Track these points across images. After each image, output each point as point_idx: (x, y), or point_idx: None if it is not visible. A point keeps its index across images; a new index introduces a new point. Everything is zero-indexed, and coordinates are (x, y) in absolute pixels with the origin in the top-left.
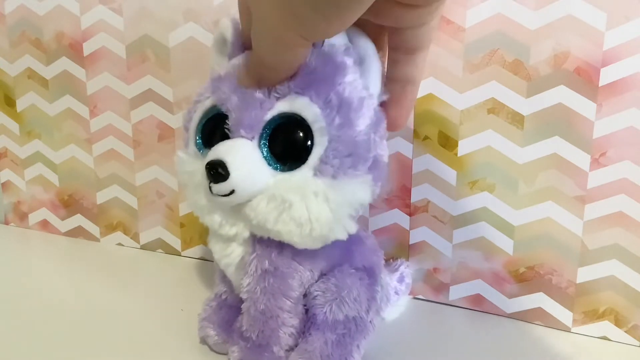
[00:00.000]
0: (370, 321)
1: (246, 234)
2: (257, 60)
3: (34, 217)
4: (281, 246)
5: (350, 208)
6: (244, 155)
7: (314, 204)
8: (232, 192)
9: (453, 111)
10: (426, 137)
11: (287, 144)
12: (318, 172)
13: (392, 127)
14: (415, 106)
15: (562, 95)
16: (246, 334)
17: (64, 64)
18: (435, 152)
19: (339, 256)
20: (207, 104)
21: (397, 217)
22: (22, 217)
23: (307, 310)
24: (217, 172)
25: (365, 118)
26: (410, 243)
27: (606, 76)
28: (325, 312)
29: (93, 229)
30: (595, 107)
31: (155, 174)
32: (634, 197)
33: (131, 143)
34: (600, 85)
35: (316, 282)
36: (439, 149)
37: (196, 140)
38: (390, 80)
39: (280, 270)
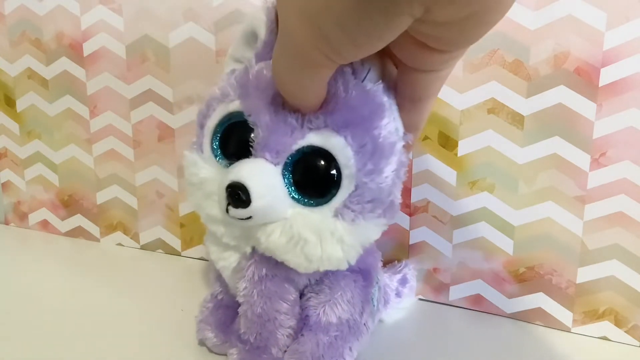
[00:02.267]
0: (364, 323)
1: (248, 249)
2: (275, 80)
3: (34, 217)
4: None
5: (361, 248)
6: (267, 183)
7: (328, 244)
8: (249, 217)
9: (453, 111)
10: (426, 137)
11: (313, 179)
12: (339, 214)
13: None
14: None
15: (562, 95)
16: (244, 336)
17: (64, 64)
18: (435, 152)
19: None
20: (231, 107)
21: (397, 217)
22: (22, 217)
23: (302, 310)
24: (239, 197)
25: (392, 164)
26: (410, 243)
27: (606, 76)
28: (319, 314)
29: (93, 229)
30: (595, 107)
31: (155, 174)
32: (634, 197)
33: (131, 143)
34: (600, 85)
35: (311, 283)
36: (439, 149)
37: (212, 144)
38: None
39: (277, 276)
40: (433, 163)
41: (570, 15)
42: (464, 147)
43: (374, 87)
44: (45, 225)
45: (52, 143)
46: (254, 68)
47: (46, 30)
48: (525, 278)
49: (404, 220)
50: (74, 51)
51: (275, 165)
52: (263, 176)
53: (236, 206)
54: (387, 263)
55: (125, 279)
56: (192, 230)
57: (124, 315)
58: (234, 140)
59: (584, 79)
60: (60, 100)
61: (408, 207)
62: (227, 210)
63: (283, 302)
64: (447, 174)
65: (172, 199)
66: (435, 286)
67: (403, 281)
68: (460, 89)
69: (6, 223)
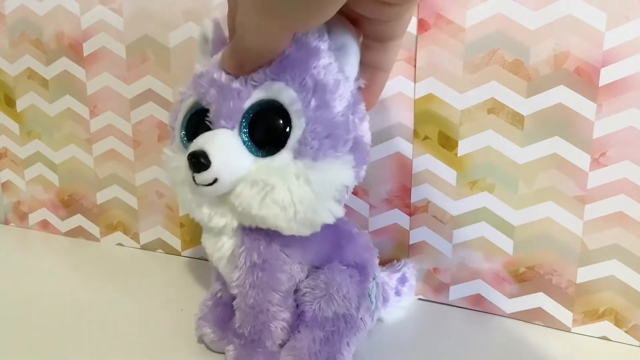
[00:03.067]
0: (360, 318)
1: (235, 224)
2: (241, 47)
3: (34, 217)
4: (269, 238)
5: (334, 190)
6: (224, 143)
7: (295, 185)
8: (215, 180)
9: (453, 111)
10: (426, 137)
11: (266, 129)
12: (298, 154)
13: None
14: (415, 106)
15: (562, 95)
16: (239, 330)
17: (64, 64)
18: (435, 152)
19: (329, 250)
20: (189, 101)
21: (397, 217)
22: (22, 217)
23: (298, 306)
24: (199, 161)
25: (342, 99)
26: (410, 243)
27: (606, 76)
28: (314, 309)
29: (93, 229)
30: (595, 107)
31: (155, 174)
32: (634, 197)
33: (131, 143)
34: (600, 85)
35: (306, 278)
36: (439, 149)
37: (181, 135)
38: (361, 65)
39: (268, 263)
40: (433, 163)
41: (570, 15)
42: (464, 147)
43: (306, 37)
44: (45, 225)
45: (52, 143)
46: (207, 66)
47: (46, 30)
48: (525, 278)
49: (404, 220)
50: (74, 51)
51: (231, 129)
52: (218, 139)
53: (199, 171)
54: (387, 263)
55: (125, 279)
56: (192, 230)
57: (124, 315)
58: (196, 125)
59: (584, 79)
60: (60, 100)
61: (408, 207)
62: (194, 180)
63: (275, 293)
64: (447, 174)
65: (172, 199)
66: (435, 286)
67: (402, 280)
68: (460, 89)
69: (6, 223)
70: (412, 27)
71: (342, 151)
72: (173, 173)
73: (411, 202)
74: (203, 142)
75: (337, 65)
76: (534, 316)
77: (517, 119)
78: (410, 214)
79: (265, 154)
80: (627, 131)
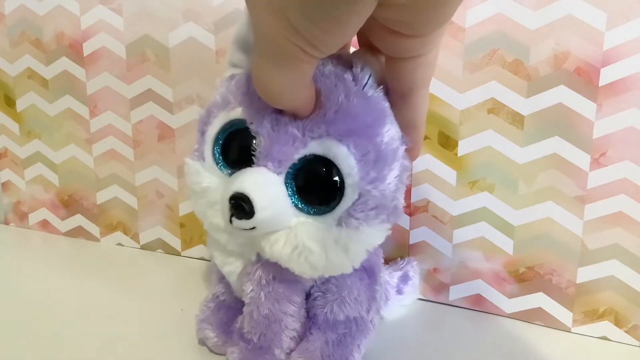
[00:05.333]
0: (370, 320)
1: (253, 257)
2: (261, 85)
3: (34, 217)
4: None
5: (366, 253)
6: (270, 194)
7: (333, 252)
8: (252, 228)
9: (453, 111)
10: (426, 137)
11: (316, 188)
12: (342, 222)
13: None
14: None
15: (562, 95)
16: (247, 335)
17: (64, 64)
18: (435, 152)
19: None
20: (232, 115)
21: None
22: (22, 217)
23: (308, 311)
24: (243, 208)
25: (395, 170)
26: (410, 243)
27: (606, 76)
28: (326, 313)
29: (93, 229)
30: (595, 107)
31: (155, 174)
32: (634, 197)
33: (131, 143)
34: (600, 85)
35: (317, 283)
36: (439, 149)
37: (214, 151)
38: None
39: (285, 278)
40: (433, 163)
41: (570, 15)
42: (464, 147)
43: (375, 93)
44: (45, 225)
45: (52, 143)
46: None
47: (46, 30)
48: (525, 278)
49: (404, 220)
50: (74, 51)
51: (277, 174)
52: (266, 187)
53: (240, 217)
54: (389, 262)
55: (125, 279)
56: (192, 230)
57: (123, 315)
58: (235, 148)
59: (584, 79)
60: (60, 100)
61: (408, 207)
62: (230, 221)
63: (291, 305)
64: (447, 174)
65: (172, 199)
66: (435, 286)
67: (404, 278)
68: (460, 89)
69: (6, 223)
70: None
71: (383, 219)
72: (199, 190)
73: (411, 202)
74: (249, 186)
75: (396, 129)
76: (534, 316)
77: (517, 119)
78: (410, 214)
79: (309, 211)
80: (627, 131)
